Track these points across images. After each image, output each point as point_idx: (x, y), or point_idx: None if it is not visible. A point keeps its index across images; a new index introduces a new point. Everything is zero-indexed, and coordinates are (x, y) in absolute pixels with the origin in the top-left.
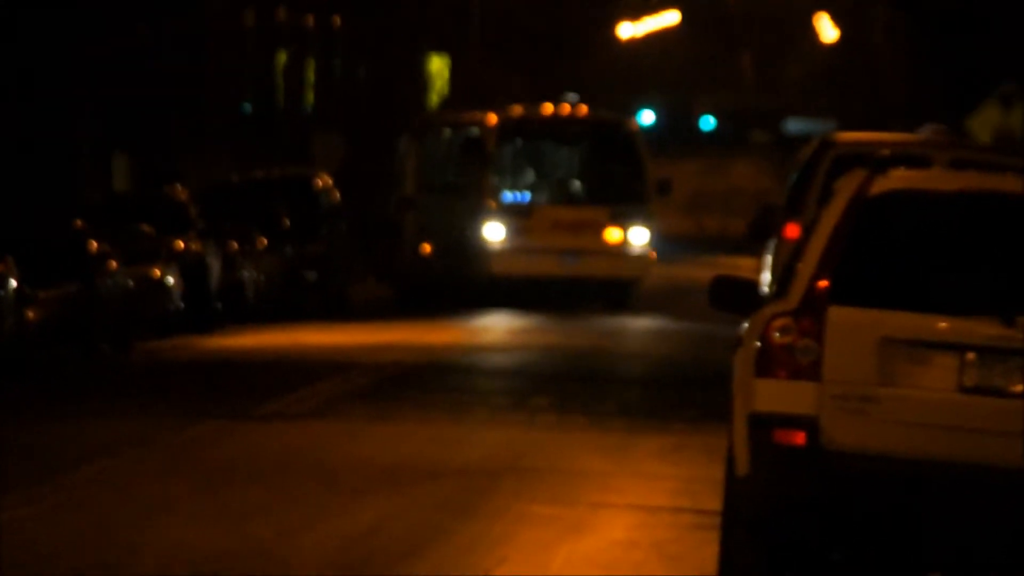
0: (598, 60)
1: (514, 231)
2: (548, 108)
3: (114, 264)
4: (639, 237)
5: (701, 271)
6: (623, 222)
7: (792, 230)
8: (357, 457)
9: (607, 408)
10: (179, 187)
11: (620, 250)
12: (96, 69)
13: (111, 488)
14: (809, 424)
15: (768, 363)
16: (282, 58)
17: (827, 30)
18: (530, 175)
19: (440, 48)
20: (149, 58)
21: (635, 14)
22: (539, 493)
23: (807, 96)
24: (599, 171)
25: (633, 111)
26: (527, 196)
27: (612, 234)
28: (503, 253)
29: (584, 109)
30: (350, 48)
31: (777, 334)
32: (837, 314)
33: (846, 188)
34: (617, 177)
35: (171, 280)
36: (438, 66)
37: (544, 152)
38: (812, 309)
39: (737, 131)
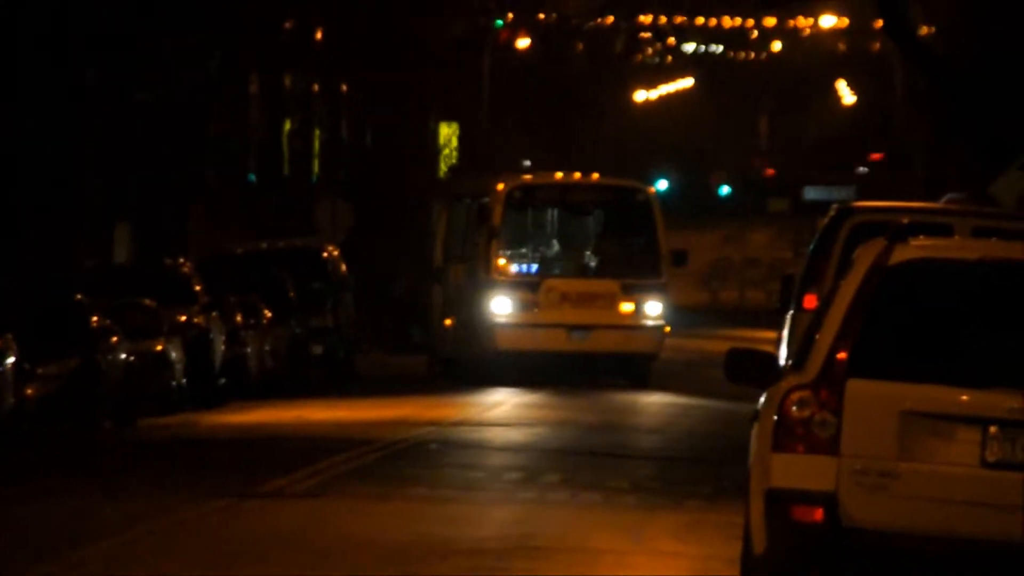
0: (612, 128)
1: (521, 305)
2: (559, 174)
3: (115, 339)
4: (652, 310)
5: (718, 344)
6: (636, 295)
7: (810, 300)
8: (364, 536)
9: (620, 485)
10: (183, 259)
11: (632, 325)
12: (98, 138)
13: (113, 568)
14: (827, 500)
15: (785, 437)
16: (287, 126)
17: (845, 96)
18: (539, 245)
19: (449, 115)
20: (152, 126)
21: (650, 81)
22: (551, 573)
23: (825, 163)
24: (612, 240)
25: (648, 180)
26: (534, 268)
27: (624, 308)
28: (509, 328)
29: (596, 175)
30: (357, 116)
31: (795, 407)
32: (856, 387)
33: (865, 257)
34: (630, 247)
35: (173, 355)
36: (447, 133)
37: (554, 221)
38: (830, 382)
39: (754, 199)
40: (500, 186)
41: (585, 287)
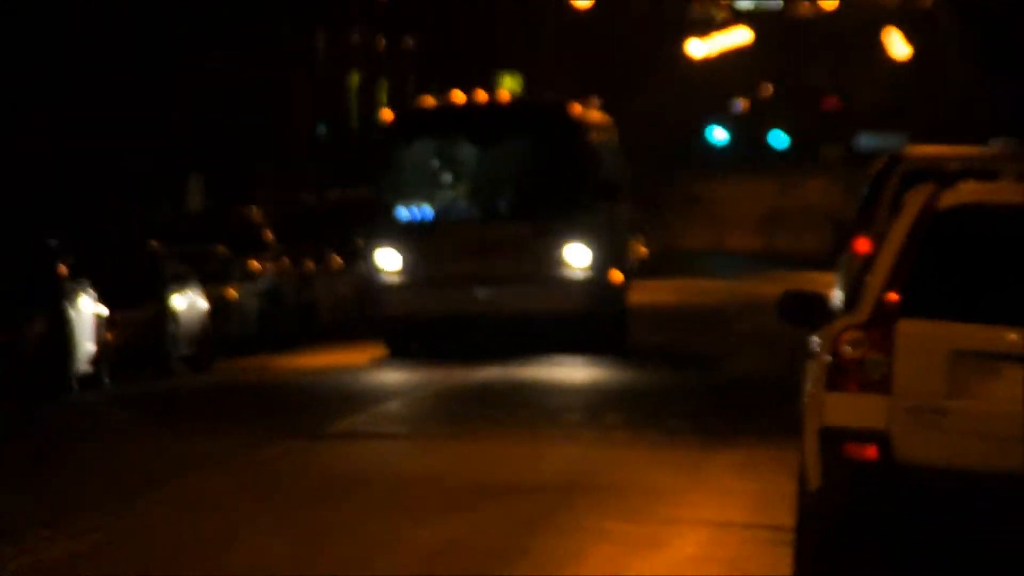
0: (670, 76)
1: (412, 258)
2: (459, 96)
3: (189, 285)
4: (578, 257)
5: (773, 287)
6: (556, 239)
7: (862, 244)
8: (431, 475)
9: (680, 423)
10: (254, 208)
11: (553, 275)
12: (172, 92)
13: (191, 508)
14: (880, 438)
15: (838, 377)
16: (355, 79)
17: (898, 46)
18: (436, 183)
19: (512, 67)
20: (224, 81)
21: (704, 31)
22: (612, 509)
23: (879, 111)
24: (528, 173)
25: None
26: (429, 211)
27: (540, 255)
28: (397, 288)
29: (506, 94)
30: (422, 68)
31: (848, 347)
32: (907, 327)
33: (914, 202)
34: (551, 179)
35: (246, 300)
36: (511, 85)
37: (457, 153)
38: (882, 322)
39: (808, 147)
40: (387, 114)
41: (491, 233)
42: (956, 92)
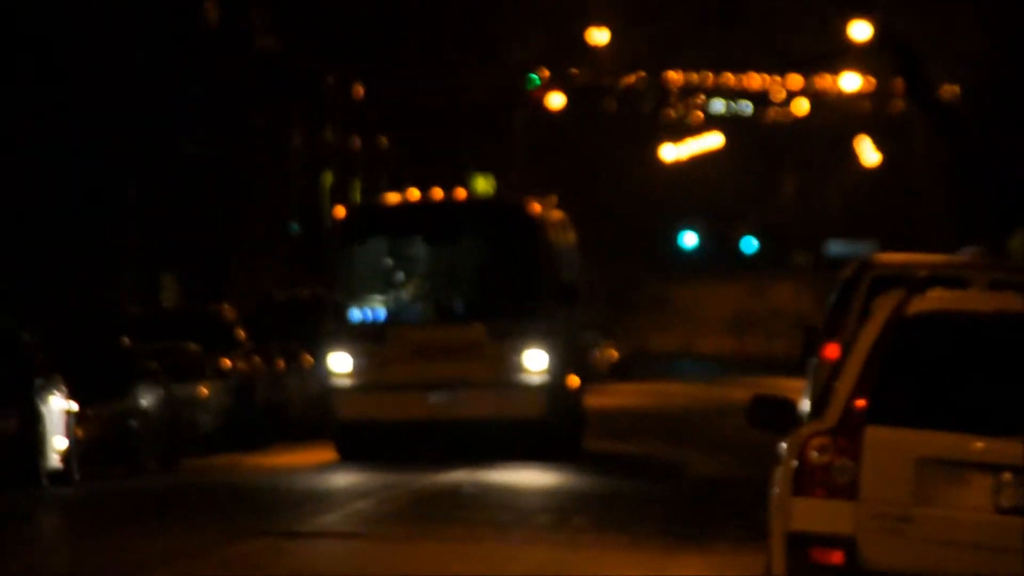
0: (641, 179)
1: (364, 362)
2: (415, 193)
3: (160, 382)
4: (535, 361)
5: (742, 391)
6: (511, 342)
7: (831, 350)
8: (399, 575)
9: (649, 528)
10: (226, 305)
11: (509, 380)
12: (144, 187)
13: None
14: (846, 543)
15: (805, 482)
16: (329, 178)
17: (869, 153)
18: (389, 284)
19: (485, 168)
20: (197, 177)
21: (678, 135)
22: None
23: (848, 218)
24: (484, 274)
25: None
26: (381, 313)
27: (496, 359)
28: (349, 392)
29: (463, 192)
30: (396, 168)
31: (815, 453)
32: (874, 433)
33: (883, 308)
34: (508, 281)
35: (217, 398)
36: (483, 186)
37: (412, 252)
38: (849, 428)
39: (778, 252)
40: (340, 211)
41: (444, 335)
42: (925, 200)
